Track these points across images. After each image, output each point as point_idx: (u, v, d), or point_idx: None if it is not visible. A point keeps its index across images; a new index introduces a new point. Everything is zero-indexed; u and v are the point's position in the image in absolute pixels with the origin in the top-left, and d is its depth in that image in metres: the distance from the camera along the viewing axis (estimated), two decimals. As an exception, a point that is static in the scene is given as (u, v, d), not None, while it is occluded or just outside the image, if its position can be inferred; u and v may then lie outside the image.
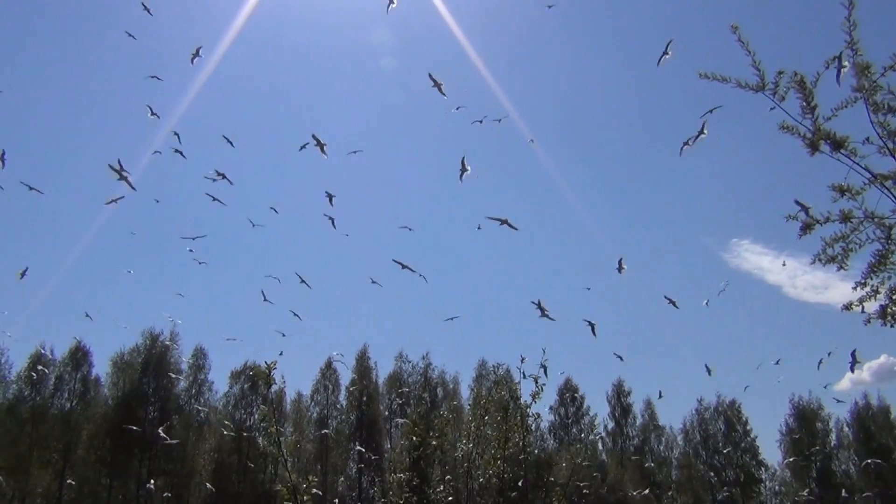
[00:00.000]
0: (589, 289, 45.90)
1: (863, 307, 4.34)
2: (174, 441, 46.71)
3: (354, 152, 26.69)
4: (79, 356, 60.36)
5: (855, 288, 4.27)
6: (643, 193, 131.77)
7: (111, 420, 56.91)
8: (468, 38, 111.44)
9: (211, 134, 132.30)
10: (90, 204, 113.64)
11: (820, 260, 4.28)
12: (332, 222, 23.28)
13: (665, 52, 17.79)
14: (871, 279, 4.21)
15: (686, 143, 17.25)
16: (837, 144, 3.94)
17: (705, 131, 16.91)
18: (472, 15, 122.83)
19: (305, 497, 6.70)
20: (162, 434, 34.65)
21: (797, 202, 4.89)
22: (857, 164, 4.01)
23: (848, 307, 4.36)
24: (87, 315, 53.28)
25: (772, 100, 4.09)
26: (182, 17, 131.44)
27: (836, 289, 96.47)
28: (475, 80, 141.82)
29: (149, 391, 60.72)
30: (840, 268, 4.27)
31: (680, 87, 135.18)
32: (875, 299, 4.23)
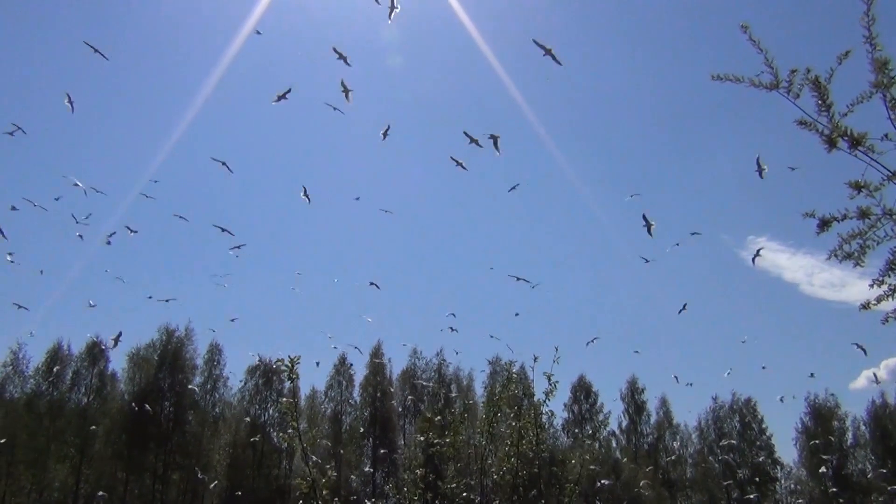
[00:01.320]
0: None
1: (880, 305, 4.29)
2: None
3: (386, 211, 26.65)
4: (95, 351, 60.92)
5: (872, 286, 4.22)
6: (660, 190, 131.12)
7: (127, 415, 57.45)
8: (480, 35, 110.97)
9: (224, 130, 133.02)
10: (107, 198, 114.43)
11: (836, 256, 4.23)
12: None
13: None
14: (889, 277, 4.16)
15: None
16: (855, 141, 3.90)
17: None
18: (483, 11, 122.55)
19: (324, 491, 6.74)
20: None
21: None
22: (876, 160, 3.97)
23: (866, 306, 4.31)
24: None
25: (786, 97, 4.05)
26: (195, 15, 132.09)
27: (854, 286, 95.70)
28: (487, 76, 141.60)
29: (164, 386, 61.19)
30: (857, 265, 4.21)
31: (696, 84, 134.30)
32: (893, 298, 4.18)
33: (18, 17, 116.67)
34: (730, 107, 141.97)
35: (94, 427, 52.26)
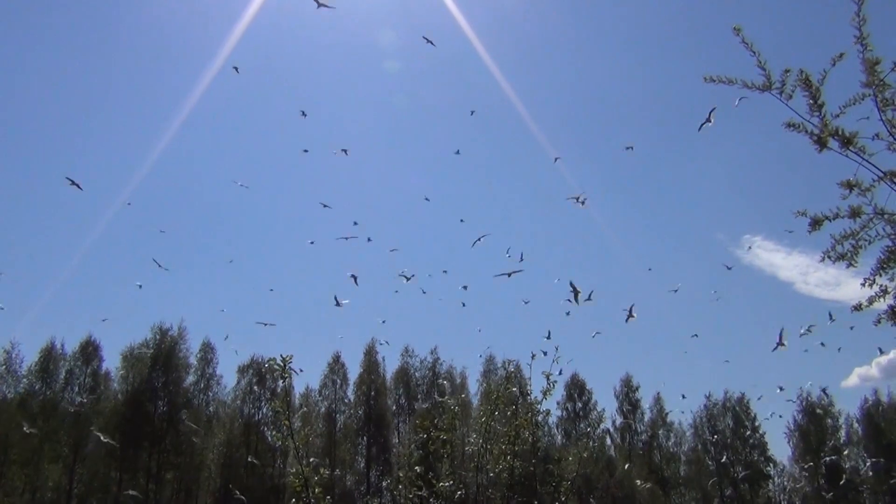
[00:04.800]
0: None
1: (872, 306, 4.31)
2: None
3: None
4: (89, 351, 60.64)
5: (863, 285, 4.25)
6: (655, 190, 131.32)
7: (121, 414, 57.23)
8: (478, 39, 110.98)
9: (217, 132, 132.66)
10: (100, 198, 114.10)
11: (829, 257, 4.26)
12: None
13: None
14: (881, 276, 4.19)
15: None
16: (846, 141, 3.93)
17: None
18: (480, 15, 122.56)
19: (317, 489, 6.74)
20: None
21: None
22: (867, 160, 4.00)
23: (858, 307, 4.34)
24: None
25: (779, 98, 4.08)
26: (190, 16, 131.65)
27: (848, 285, 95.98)
28: (485, 78, 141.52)
29: (158, 385, 60.92)
30: (849, 265, 4.24)
31: (690, 84, 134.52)
32: (885, 299, 4.21)
33: (10, 18, 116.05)
34: (726, 105, 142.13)
35: (99, 434, 51.64)
